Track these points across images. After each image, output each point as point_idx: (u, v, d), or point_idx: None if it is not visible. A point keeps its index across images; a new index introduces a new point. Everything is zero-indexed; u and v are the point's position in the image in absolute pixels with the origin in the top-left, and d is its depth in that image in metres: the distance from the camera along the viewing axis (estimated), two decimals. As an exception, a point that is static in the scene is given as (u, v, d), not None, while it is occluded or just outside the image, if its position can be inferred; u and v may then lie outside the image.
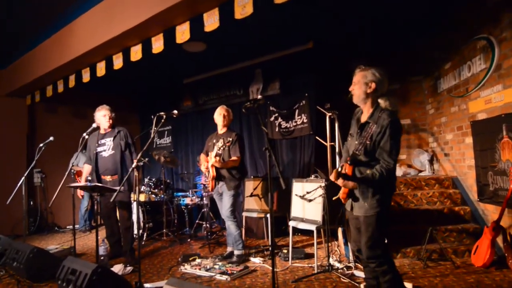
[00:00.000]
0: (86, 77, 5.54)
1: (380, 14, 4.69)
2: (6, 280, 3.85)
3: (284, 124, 6.14)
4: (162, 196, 6.12)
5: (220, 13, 3.72)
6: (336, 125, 4.42)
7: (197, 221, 6.22)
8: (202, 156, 4.62)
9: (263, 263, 4.17)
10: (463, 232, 4.27)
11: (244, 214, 5.36)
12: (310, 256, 4.33)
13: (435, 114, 5.48)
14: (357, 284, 3.31)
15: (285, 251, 4.40)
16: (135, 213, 5.09)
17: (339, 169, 2.47)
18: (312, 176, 4.66)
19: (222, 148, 4.18)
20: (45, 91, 6.48)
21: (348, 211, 2.66)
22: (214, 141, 4.47)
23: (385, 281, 2.43)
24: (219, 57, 6.30)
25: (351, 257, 3.92)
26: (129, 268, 4.05)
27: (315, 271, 3.74)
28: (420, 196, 4.85)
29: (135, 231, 4.91)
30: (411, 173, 5.56)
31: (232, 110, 4.66)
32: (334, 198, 2.64)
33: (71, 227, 7.34)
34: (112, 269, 3.73)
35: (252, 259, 4.36)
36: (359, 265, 3.81)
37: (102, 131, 4.66)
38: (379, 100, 2.52)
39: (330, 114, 4.50)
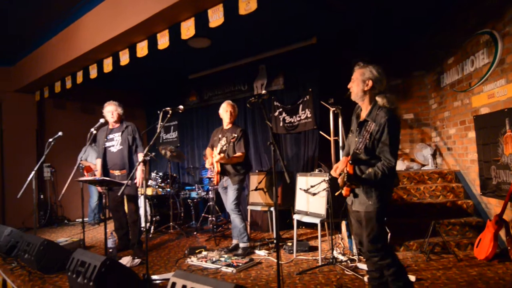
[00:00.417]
0: (93, 73, 5.61)
1: (382, 9, 4.70)
2: (18, 271, 3.94)
3: (288, 119, 6.17)
4: (169, 190, 6.20)
5: (225, 9, 3.74)
6: (340, 119, 4.45)
7: (203, 214, 6.29)
8: (208, 150, 4.68)
9: (268, 256, 4.23)
10: (466, 226, 4.30)
11: (249, 207, 5.42)
12: (314, 249, 4.38)
13: (438, 108, 5.48)
14: (361, 277, 3.35)
15: (289, 244, 4.45)
16: (143, 207, 5.19)
17: (346, 180, 2.45)
18: (316, 170, 4.70)
19: (226, 145, 4.23)
20: (53, 87, 6.56)
21: (349, 205, 2.70)
22: (220, 136, 4.52)
23: (389, 274, 2.46)
24: (223, 53, 6.34)
25: (354, 250, 3.96)
26: (137, 260, 4.13)
27: (319, 264, 3.79)
28: (423, 190, 4.87)
29: (143, 224, 5.02)
30: (414, 167, 5.58)
31: (237, 105, 4.70)
32: (336, 194, 2.67)
33: (80, 220, 7.46)
34: (120, 261, 3.80)
35: (257, 251, 4.42)
36: (362, 258, 3.86)
37: (110, 126, 4.74)
38: (377, 98, 2.52)
39: (334, 109, 4.52)
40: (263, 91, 3.28)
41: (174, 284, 2.49)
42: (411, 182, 5.10)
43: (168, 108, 3.62)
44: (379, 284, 2.60)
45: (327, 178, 3.95)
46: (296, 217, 4.33)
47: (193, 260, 4.09)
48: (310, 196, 4.17)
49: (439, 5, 4.74)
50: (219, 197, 5.57)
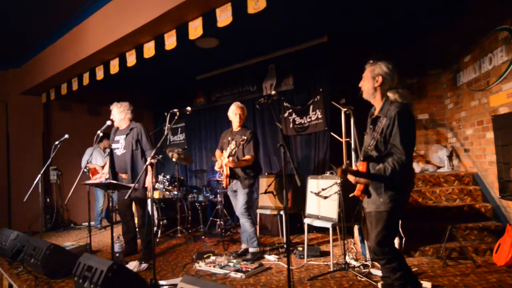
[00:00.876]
0: (100, 74, 5.57)
1: (396, 6, 4.58)
2: (24, 276, 3.90)
3: (298, 120, 6.07)
4: (176, 193, 6.13)
5: (233, 8, 3.68)
6: (352, 120, 4.33)
7: (211, 218, 6.21)
8: (217, 152, 4.61)
9: (278, 261, 4.13)
10: (484, 230, 4.15)
11: (259, 211, 5.33)
12: (325, 254, 4.27)
13: (454, 108, 5.34)
14: (374, 283, 3.24)
15: (300, 248, 4.35)
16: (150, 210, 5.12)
17: (343, 166, 2.41)
18: (327, 172, 4.60)
19: (235, 149, 4.14)
20: (59, 89, 6.54)
21: (364, 207, 2.62)
22: (229, 138, 4.45)
23: (396, 278, 2.38)
24: (232, 53, 6.27)
25: (367, 255, 3.85)
26: (144, 265, 4.05)
27: (331, 269, 3.68)
28: (439, 193, 4.73)
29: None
30: (429, 169, 5.44)
31: (246, 106, 4.62)
32: (350, 195, 2.58)
33: (86, 224, 7.42)
34: (127, 266, 3.74)
35: (266, 256, 4.32)
36: (376, 263, 3.74)
37: (118, 127, 4.69)
38: (388, 94, 2.46)
39: (346, 109, 4.41)
40: (273, 92, 3.19)
41: (181, 289, 2.42)
42: (426, 185, 4.96)
43: (175, 110, 3.56)
44: None
45: (338, 181, 3.84)
46: (306, 221, 4.22)
47: (201, 265, 4.01)
48: (321, 200, 4.07)
49: (456, 1, 4.61)
50: (227, 201, 5.48)
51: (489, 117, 4.34)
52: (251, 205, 4.37)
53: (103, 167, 6.28)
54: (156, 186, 6.17)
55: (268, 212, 5.20)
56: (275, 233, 5.56)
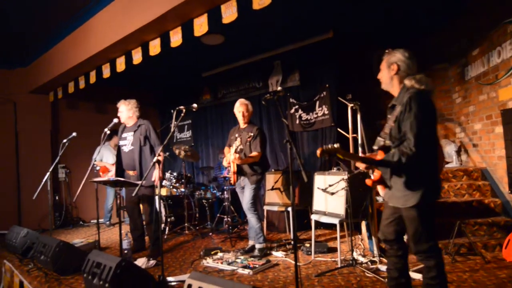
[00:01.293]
0: (106, 72, 5.60)
1: (402, 1, 4.53)
2: (34, 272, 3.94)
3: (304, 116, 6.05)
4: (183, 190, 6.14)
5: (238, 4, 3.67)
6: (359, 116, 4.30)
7: (218, 215, 6.22)
8: (226, 149, 4.62)
9: (285, 257, 4.13)
10: (494, 226, 4.11)
11: (266, 207, 5.32)
12: (333, 250, 4.26)
13: (463, 103, 5.28)
14: (382, 279, 3.22)
15: (307, 245, 4.35)
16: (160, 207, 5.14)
17: (326, 147, 2.23)
18: (334, 168, 4.57)
19: (241, 146, 4.14)
20: (67, 88, 6.58)
21: (385, 201, 2.53)
22: (236, 135, 4.45)
23: (428, 277, 2.27)
24: (237, 49, 6.25)
25: (375, 251, 3.83)
26: (152, 262, 4.08)
27: (339, 266, 3.67)
28: (447, 189, 4.69)
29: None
30: (437, 164, 5.39)
31: (252, 102, 4.60)
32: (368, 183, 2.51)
33: (95, 221, 7.48)
34: (135, 262, 3.77)
35: (274, 253, 4.32)
36: (384, 259, 3.72)
37: (125, 124, 4.70)
38: (405, 81, 2.37)
39: (352, 105, 4.37)
40: (279, 88, 3.18)
41: (190, 286, 2.44)
42: (434, 180, 4.91)
43: (181, 107, 3.56)
44: (397, 284, 2.46)
45: (345, 177, 3.82)
46: (314, 217, 4.21)
47: (208, 262, 4.02)
48: (329, 196, 4.05)
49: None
50: (234, 197, 5.49)
51: (498, 111, 4.29)
52: (257, 200, 4.37)
53: (114, 164, 6.32)
54: (163, 183, 6.19)
55: (275, 208, 5.19)
56: (282, 229, 5.56)
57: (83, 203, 7.62)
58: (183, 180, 6.22)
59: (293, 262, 2.73)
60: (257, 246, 4.26)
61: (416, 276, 3.23)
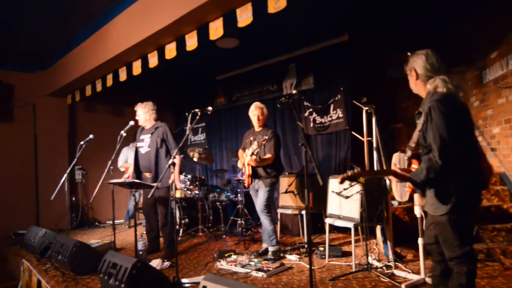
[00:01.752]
0: (123, 76, 5.68)
1: (419, 2, 4.49)
2: (52, 272, 4.01)
3: (319, 119, 6.03)
4: (197, 192, 6.18)
5: (253, 8, 3.68)
6: (373, 119, 4.27)
7: (232, 218, 6.24)
8: (240, 152, 4.63)
9: (299, 261, 4.11)
10: (513, 232, 4.03)
11: (279, 210, 5.31)
12: (347, 254, 4.23)
13: (480, 106, 5.19)
14: (398, 284, 3.18)
15: (321, 248, 4.32)
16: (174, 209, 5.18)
17: (346, 174, 2.25)
18: (349, 172, 4.53)
19: (257, 150, 4.14)
20: (84, 91, 6.69)
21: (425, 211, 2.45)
22: (251, 138, 4.47)
23: (457, 284, 2.18)
24: (252, 53, 6.28)
25: (390, 256, 3.78)
26: (166, 263, 4.11)
27: (353, 270, 3.64)
28: (464, 193, 4.60)
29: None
30: (453, 169, 5.30)
31: (266, 105, 4.60)
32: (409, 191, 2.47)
33: (110, 222, 7.57)
34: (150, 263, 3.80)
35: (288, 256, 4.31)
36: (399, 264, 3.68)
37: (143, 126, 4.77)
38: (427, 85, 2.27)
39: (367, 108, 4.34)
40: (294, 91, 3.19)
41: (204, 287, 2.44)
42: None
43: (197, 110, 3.59)
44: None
45: (361, 180, 3.78)
46: (328, 221, 4.18)
47: (222, 264, 4.03)
48: (343, 199, 4.02)
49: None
50: (248, 200, 5.50)
51: (518, 115, 4.21)
52: (271, 203, 4.37)
53: None
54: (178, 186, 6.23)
55: (289, 211, 5.18)
56: (296, 233, 5.54)
57: (99, 204, 7.74)
58: (197, 183, 6.26)
59: (307, 266, 2.73)
60: (270, 248, 4.26)
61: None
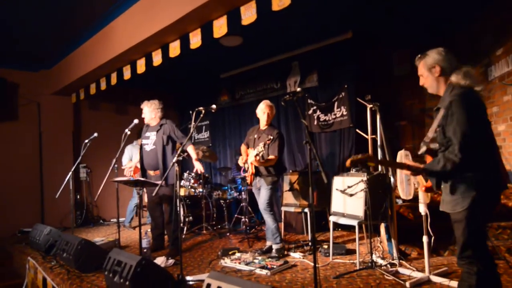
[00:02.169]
0: (127, 74, 5.69)
1: (423, 3, 4.48)
2: (57, 270, 4.03)
3: (323, 117, 6.02)
4: (201, 190, 6.19)
5: (257, 6, 3.67)
6: (378, 117, 4.25)
7: (235, 215, 6.25)
8: (243, 147, 4.64)
9: (303, 259, 4.11)
10: (518, 230, 4.01)
11: (283, 208, 5.32)
12: (351, 252, 4.23)
13: (486, 103, 5.14)
14: (402, 282, 3.17)
15: (325, 246, 4.32)
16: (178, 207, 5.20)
17: (355, 157, 2.22)
18: (353, 170, 4.53)
19: (262, 152, 4.13)
20: (88, 89, 6.71)
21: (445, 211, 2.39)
22: (256, 136, 4.46)
23: (467, 285, 2.15)
24: (255, 51, 6.28)
25: (395, 254, 3.78)
26: (171, 261, 4.12)
27: (357, 268, 3.64)
28: (469, 191, 4.58)
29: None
30: (458, 166, 5.27)
31: (269, 103, 4.61)
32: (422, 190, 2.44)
33: (115, 220, 7.60)
34: (154, 261, 3.81)
35: (292, 254, 4.31)
36: (403, 262, 3.67)
37: (149, 124, 4.78)
38: (451, 78, 2.24)
39: (371, 105, 4.33)
40: (298, 89, 3.18)
41: (209, 285, 2.47)
42: (455, 183, 4.81)
43: (201, 108, 3.59)
44: None
45: (365, 178, 3.78)
46: (332, 218, 4.18)
47: (226, 262, 4.04)
48: (347, 197, 4.02)
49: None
50: (251, 198, 5.50)
51: (523, 112, 4.18)
52: (273, 201, 4.37)
53: None
54: (181, 184, 6.25)
55: (292, 209, 5.18)
56: (300, 230, 5.54)
57: (103, 202, 7.78)
58: (201, 181, 6.27)
59: (311, 264, 2.72)
60: (274, 246, 4.26)
61: (437, 280, 3.18)
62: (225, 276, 2.51)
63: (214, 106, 3.64)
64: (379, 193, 3.83)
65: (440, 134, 2.17)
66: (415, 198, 3.47)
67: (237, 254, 4.29)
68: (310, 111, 6.19)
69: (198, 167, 4.69)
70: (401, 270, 3.49)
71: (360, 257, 3.83)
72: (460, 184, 2.12)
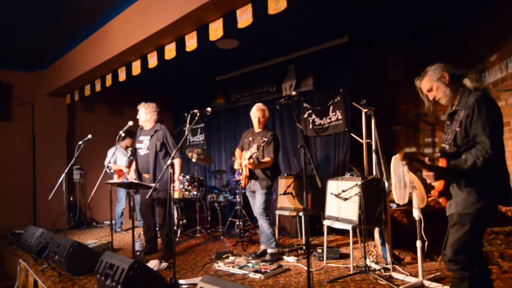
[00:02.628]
0: (122, 76, 5.67)
1: (418, 4, 4.50)
2: (48, 272, 3.98)
3: (318, 121, 6.02)
4: (196, 193, 6.17)
5: (253, 9, 3.67)
6: (373, 121, 4.27)
7: (230, 219, 6.22)
8: (237, 151, 4.63)
9: (297, 262, 4.10)
10: (511, 235, 4.01)
11: (277, 212, 5.31)
12: (345, 256, 4.23)
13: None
14: (396, 286, 3.18)
15: (319, 250, 4.31)
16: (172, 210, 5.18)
17: (407, 150, 2.26)
18: (347, 174, 4.54)
19: (256, 153, 4.13)
20: (83, 90, 6.68)
21: (448, 215, 2.35)
22: (250, 138, 4.45)
23: None
24: (251, 54, 6.28)
25: (388, 258, 3.78)
26: (164, 264, 4.09)
27: (351, 272, 3.63)
28: (462, 196, 4.59)
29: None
30: (452, 171, 5.29)
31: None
32: (431, 198, 2.43)
33: (108, 222, 7.55)
34: (147, 264, 3.79)
35: (285, 258, 4.30)
36: (397, 266, 3.67)
37: (143, 127, 4.77)
38: (465, 82, 2.27)
39: (366, 110, 4.34)
40: (293, 92, 3.17)
41: (201, 289, 2.43)
42: (449, 188, 4.82)
43: (196, 110, 3.58)
44: None
45: (359, 183, 3.78)
46: (326, 222, 4.17)
47: (220, 265, 4.02)
48: (341, 201, 4.01)
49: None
50: (246, 201, 5.48)
51: (517, 118, 4.21)
52: (269, 205, 4.36)
53: (128, 166, 6.35)
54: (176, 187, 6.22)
55: (287, 213, 5.17)
56: (294, 234, 5.53)
57: (96, 205, 7.72)
58: (195, 183, 6.24)
59: (305, 268, 2.71)
60: (269, 250, 4.24)
61: (430, 285, 3.18)
62: (218, 280, 2.49)
63: (209, 108, 3.64)
64: (374, 198, 3.83)
65: (462, 133, 2.17)
66: (409, 202, 3.47)
67: (231, 258, 4.27)
68: (306, 115, 6.20)
69: (176, 185, 4.67)
70: (395, 274, 3.49)
71: (354, 261, 3.82)
72: (480, 183, 2.12)
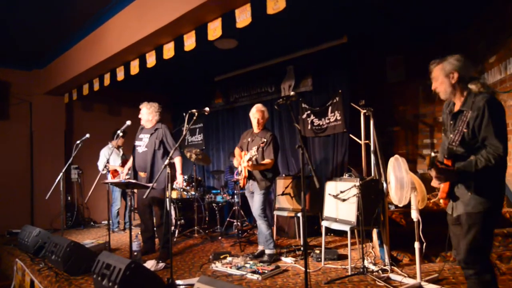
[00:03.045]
0: (120, 75, 5.66)
1: (418, 4, 4.50)
2: (45, 272, 3.96)
3: (316, 121, 6.01)
4: (194, 193, 6.15)
5: (252, 9, 3.67)
6: (371, 122, 4.26)
7: (228, 219, 6.21)
8: (237, 150, 4.61)
9: (295, 263, 4.09)
10: (509, 237, 4.00)
11: (276, 213, 5.30)
12: (343, 257, 4.21)
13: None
14: (393, 288, 3.18)
15: (317, 251, 4.30)
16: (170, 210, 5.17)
17: (433, 154, 2.23)
18: (346, 175, 4.53)
19: (256, 156, 4.12)
20: (81, 90, 6.67)
21: (449, 214, 2.37)
22: (249, 139, 4.45)
23: None
24: (250, 54, 6.27)
25: (386, 260, 3.77)
26: (161, 264, 4.08)
27: (349, 273, 3.62)
28: (461, 197, 4.59)
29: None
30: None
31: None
32: (433, 200, 2.43)
33: (106, 222, 7.53)
34: (144, 265, 3.77)
35: (283, 258, 4.29)
36: (395, 268, 3.66)
37: (144, 126, 4.75)
38: (470, 86, 2.26)
39: (365, 111, 4.34)
40: (291, 93, 3.16)
41: (198, 290, 2.42)
42: (447, 189, 4.82)
43: (194, 110, 3.57)
44: None
45: (357, 184, 3.77)
46: (324, 223, 4.17)
47: (217, 266, 4.00)
48: (340, 202, 4.01)
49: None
50: (244, 202, 5.48)
51: (515, 120, 4.20)
52: (267, 206, 4.35)
53: (122, 166, 6.33)
54: (174, 186, 6.20)
55: (285, 214, 5.16)
56: (292, 235, 5.52)
57: (94, 204, 7.70)
58: (193, 183, 6.23)
59: (303, 269, 2.71)
60: (267, 251, 4.23)
61: (428, 286, 3.17)
62: (215, 280, 2.49)
63: (207, 108, 3.63)
64: (372, 199, 3.83)
65: (468, 135, 2.17)
66: (408, 204, 3.46)
67: (229, 258, 4.26)
68: (304, 116, 6.19)
69: (179, 181, 4.66)
70: (393, 276, 3.48)
71: (352, 262, 3.82)
72: (488, 184, 2.13)
